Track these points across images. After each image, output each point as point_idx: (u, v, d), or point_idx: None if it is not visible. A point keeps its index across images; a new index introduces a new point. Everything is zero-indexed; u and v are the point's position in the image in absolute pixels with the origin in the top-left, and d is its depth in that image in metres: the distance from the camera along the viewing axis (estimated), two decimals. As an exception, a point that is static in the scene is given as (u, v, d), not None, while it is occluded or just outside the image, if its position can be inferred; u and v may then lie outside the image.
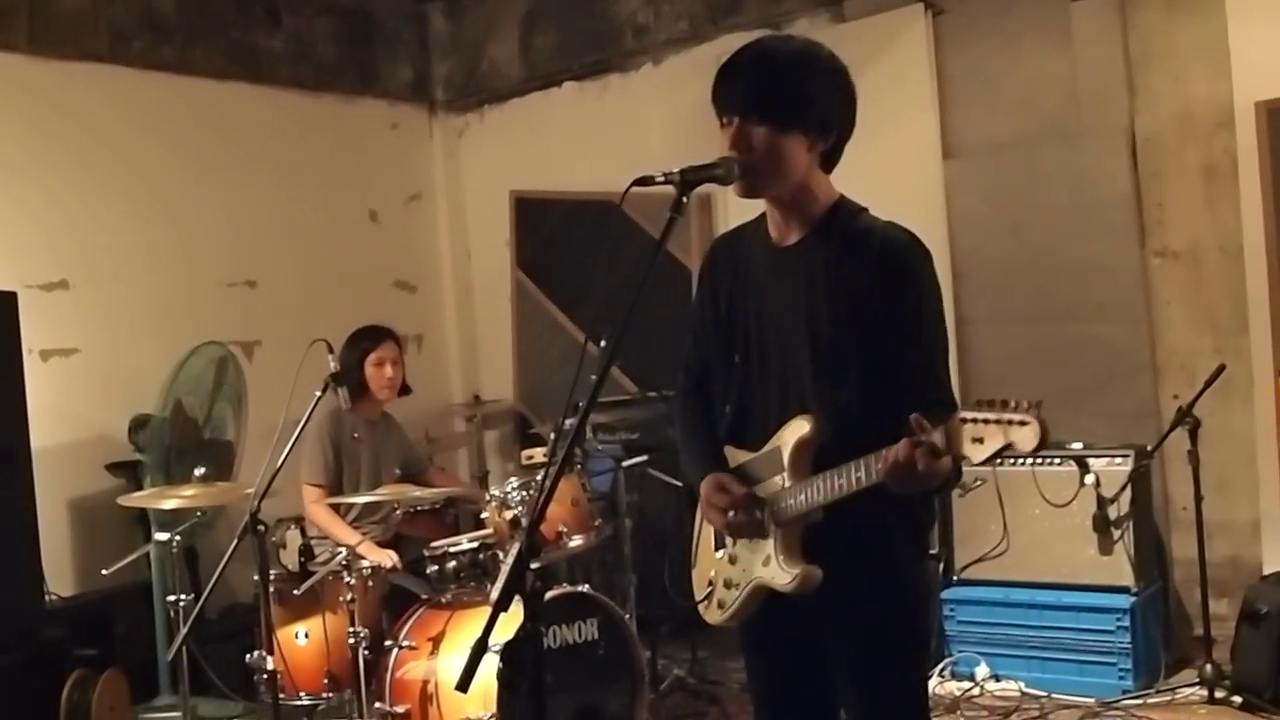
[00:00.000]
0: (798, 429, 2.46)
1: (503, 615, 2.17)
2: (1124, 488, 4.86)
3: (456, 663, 4.14)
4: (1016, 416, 2.03)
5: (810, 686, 2.65)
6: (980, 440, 2.06)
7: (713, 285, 2.72)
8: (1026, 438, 2.02)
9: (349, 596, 4.33)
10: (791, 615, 2.54)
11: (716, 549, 2.69)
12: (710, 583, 2.70)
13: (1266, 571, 4.91)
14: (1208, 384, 4.69)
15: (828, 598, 2.46)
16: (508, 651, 2.13)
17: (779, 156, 2.47)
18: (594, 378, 2.32)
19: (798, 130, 2.47)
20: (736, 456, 2.64)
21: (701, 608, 2.74)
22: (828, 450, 2.42)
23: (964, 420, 2.08)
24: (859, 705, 2.59)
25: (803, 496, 2.43)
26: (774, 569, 2.49)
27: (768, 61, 2.50)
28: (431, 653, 4.33)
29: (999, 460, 2.09)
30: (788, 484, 2.47)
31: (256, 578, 4.12)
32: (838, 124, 2.54)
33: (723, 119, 2.52)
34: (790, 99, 2.46)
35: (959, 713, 4.83)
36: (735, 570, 2.61)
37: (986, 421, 2.05)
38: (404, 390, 5.29)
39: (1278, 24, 4.98)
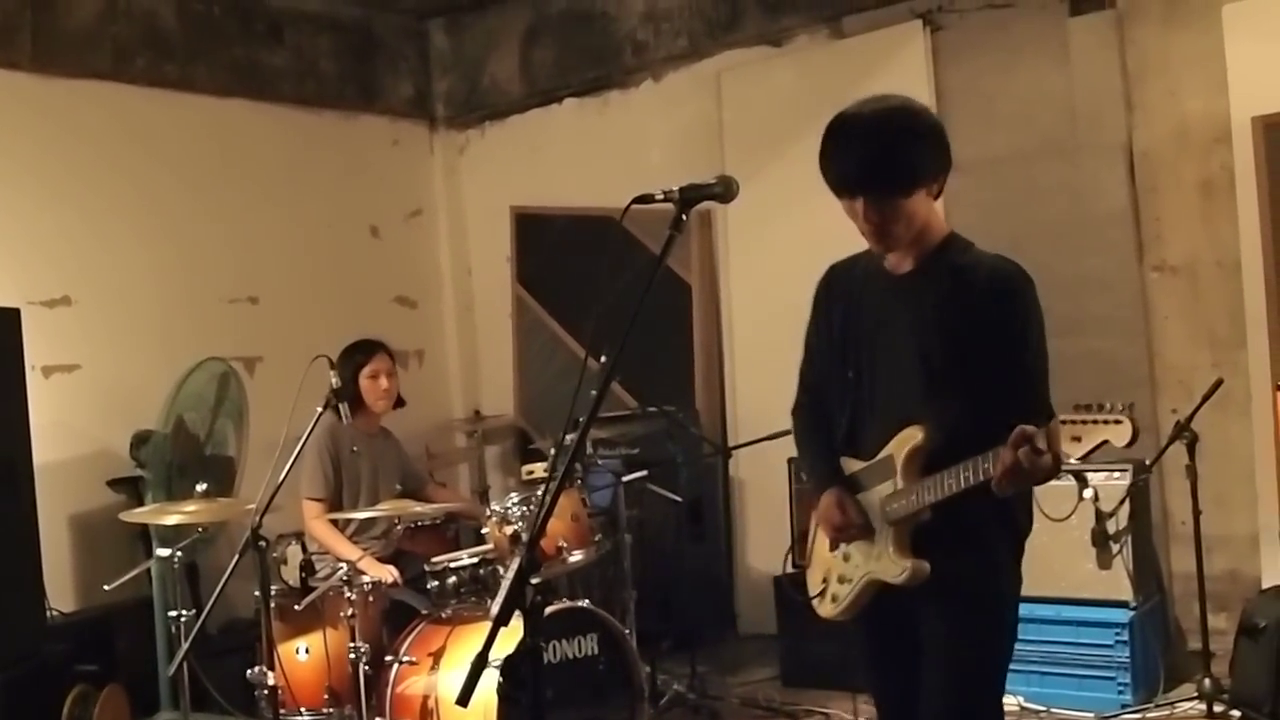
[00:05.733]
0: (910, 438, 2.69)
1: (503, 630, 2.19)
2: (1122, 502, 4.85)
3: (457, 678, 4.13)
4: (1111, 416, 2.33)
5: (915, 664, 2.83)
6: (1079, 439, 2.38)
7: (828, 309, 2.98)
8: (1121, 435, 2.32)
9: (350, 612, 4.35)
10: (900, 606, 2.77)
11: (832, 548, 2.93)
12: (824, 579, 2.95)
13: (1265, 585, 4.92)
14: (1205, 398, 4.69)
15: (929, 585, 2.70)
16: (507, 666, 2.15)
17: (909, 217, 2.71)
18: (594, 393, 2.35)
19: (921, 189, 2.70)
20: (850, 465, 2.89)
21: (815, 603, 2.99)
22: (935, 457, 2.66)
23: (1064, 422, 2.36)
24: (929, 676, 2.78)
25: (914, 497, 2.67)
26: (886, 563, 2.74)
27: (877, 139, 2.67)
28: (432, 668, 4.33)
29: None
30: (900, 486, 2.71)
31: (257, 593, 4.12)
32: (945, 169, 2.78)
33: (842, 195, 2.73)
34: (907, 171, 2.68)
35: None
36: (849, 567, 2.87)
37: (1084, 422, 2.36)
38: (398, 403, 5.31)
39: (1275, 39, 5.01)
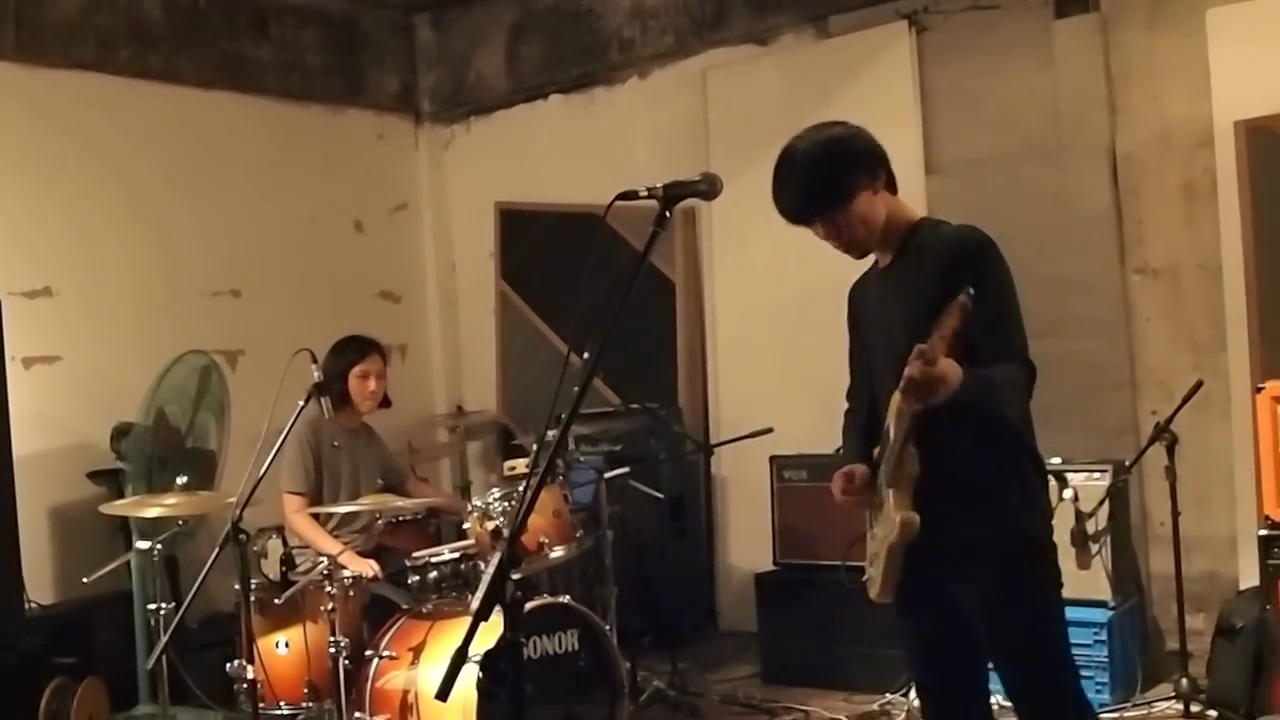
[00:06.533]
0: (894, 404, 2.81)
1: (483, 625, 2.19)
2: (1102, 503, 4.87)
3: (437, 673, 4.14)
4: (953, 303, 2.53)
5: (956, 643, 2.95)
6: (944, 337, 2.54)
7: (852, 321, 3.21)
8: (963, 313, 2.53)
9: (330, 606, 4.34)
10: (935, 588, 2.88)
11: (869, 534, 3.06)
12: (870, 563, 3.06)
13: (1243, 586, 4.94)
14: (1185, 400, 4.71)
15: (948, 547, 2.80)
16: (487, 661, 2.16)
17: (862, 221, 2.90)
18: (576, 389, 2.36)
19: (857, 196, 2.88)
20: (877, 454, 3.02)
21: (867, 588, 3.07)
22: (922, 416, 2.72)
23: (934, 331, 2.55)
24: (990, 650, 2.92)
25: (889, 449, 2.80)
26: (888, 525, 2.84)
27: (798, 169, 2.90)
28: (412, 663, 4.33)
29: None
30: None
31: (237, 587, 4.12)
32: (879, 164, 2.95)
33: (797, 225, 2.96)
34: (831, 186, 2.87)
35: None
36: (875, 544, 2.97)
37: (942, 326, 2.54)
38: (384, 403, 5.29)
39: (1257, 44, 5.04)
